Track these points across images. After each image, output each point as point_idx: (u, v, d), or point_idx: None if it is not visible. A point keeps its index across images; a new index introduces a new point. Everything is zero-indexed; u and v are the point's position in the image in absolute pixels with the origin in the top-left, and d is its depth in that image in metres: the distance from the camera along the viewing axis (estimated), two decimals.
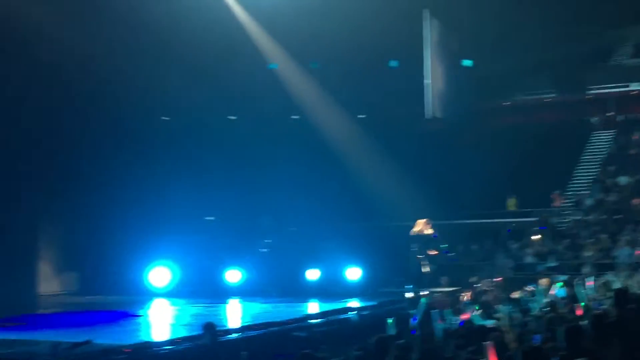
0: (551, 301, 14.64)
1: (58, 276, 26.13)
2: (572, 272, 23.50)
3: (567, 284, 17.20)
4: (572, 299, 14.79)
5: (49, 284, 25.28)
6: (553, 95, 34.49)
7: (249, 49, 27.75)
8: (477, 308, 14.02)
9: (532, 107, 34.73)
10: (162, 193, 25.93)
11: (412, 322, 12.82)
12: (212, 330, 13.73)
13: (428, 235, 21.71)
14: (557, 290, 16.52)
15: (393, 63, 28.26)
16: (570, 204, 29.26)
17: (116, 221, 25.22)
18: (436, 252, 22.41)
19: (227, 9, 26.44)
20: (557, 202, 29.30)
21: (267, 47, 28.48)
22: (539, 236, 26.88)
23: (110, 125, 24.53)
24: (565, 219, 28.32)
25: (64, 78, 22.08)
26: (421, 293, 20.41)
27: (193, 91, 26.73)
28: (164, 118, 28.46)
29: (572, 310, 13.14)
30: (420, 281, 21.43)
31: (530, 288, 17.66)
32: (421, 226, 21.59)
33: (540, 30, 31.52)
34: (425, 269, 22.02)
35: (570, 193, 30.09)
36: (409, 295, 21.46)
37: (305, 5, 25.87)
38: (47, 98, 22.05)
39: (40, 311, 21.82)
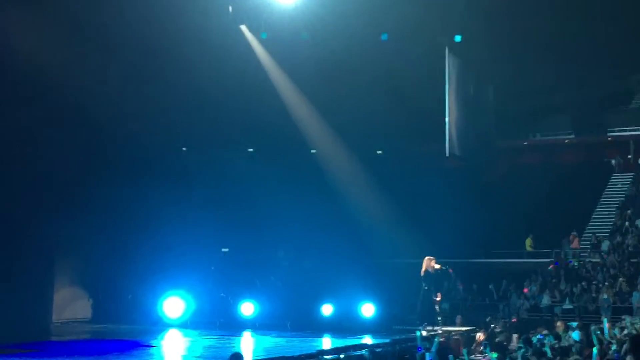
0: (566, 345, 14.50)
1: (72, 304, 26.11)
2: (588, 315, 23.31)
3: (582, 327, 17.05)
4: (587, 343, 14.65)
5: (63, 311, 25.31)
6: (572, 136, 34.48)
7: (268, 85, 28.04)
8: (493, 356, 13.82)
9: (551, 147, 34.72)
10: (178, 224, 25.94)
11: None
12: None
13: (438, 271, 21.34)
14: (572, 333, 16.38)
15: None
16: (587, 246, 29.01)
17: (131, 251, 25.27)
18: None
19: (250, 49, 26.82)
20: (575, 244, 29.05)
21: (285, 85, 28.72)
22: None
23: (126, 155, 24.68)
24: (582, 260, 28.05)
25: (83, 114, 22.46)
26: (435, 331, 20.22)
27: (212, 124, 26.97)
28: (183, 149, 28.63)
29: (587, 355, 13.00)
30: (434, 319, 21.19)
31: (544, 330, 17.50)
32: (427, 264, 21.24)
33: (562, 72, 31.53)
34: (438, 307, 21.79)
35: (587, 235, 29.85)
36: (422, 333, 21.28)
37: (325, 42, 26.18)
38: (62, 131, 22.34)
39: (53, 338, 21.86)
